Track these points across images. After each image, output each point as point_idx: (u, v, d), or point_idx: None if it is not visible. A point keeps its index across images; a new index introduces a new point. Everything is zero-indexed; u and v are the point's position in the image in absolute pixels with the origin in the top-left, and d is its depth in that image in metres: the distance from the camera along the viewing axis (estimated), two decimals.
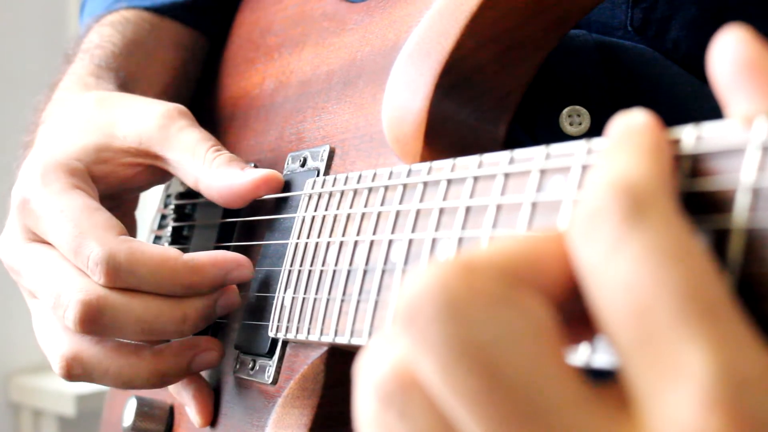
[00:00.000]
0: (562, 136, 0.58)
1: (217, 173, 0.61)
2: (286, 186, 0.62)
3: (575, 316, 0.29)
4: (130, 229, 0.72)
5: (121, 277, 0.56)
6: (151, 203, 0.84)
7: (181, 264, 0.57)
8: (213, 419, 0.64)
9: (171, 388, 0.65)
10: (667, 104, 0.59)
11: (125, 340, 0.59)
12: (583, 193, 0.28)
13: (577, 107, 0.58)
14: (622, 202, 0.27)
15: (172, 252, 0.57)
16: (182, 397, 0.64)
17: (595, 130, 0.58)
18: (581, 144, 0.35)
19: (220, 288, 0.59)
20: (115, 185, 0.65)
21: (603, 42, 0.59)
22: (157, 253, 0.57)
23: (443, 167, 0.44)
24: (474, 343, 0.26)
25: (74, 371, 0.59)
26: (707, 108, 0.57)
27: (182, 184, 0.76)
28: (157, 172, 0.66)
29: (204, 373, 0.65)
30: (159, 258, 0.56)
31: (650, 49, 0.59)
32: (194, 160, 0.62)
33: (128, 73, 0.74)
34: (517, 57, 0.52)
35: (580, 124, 0.58)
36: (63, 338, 0.59)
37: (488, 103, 0.52)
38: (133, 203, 0.73)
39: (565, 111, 0.58)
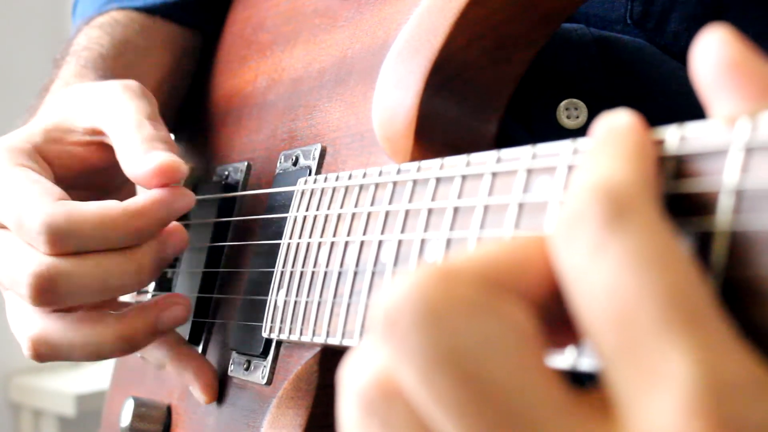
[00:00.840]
0: (560, 129, 0.58)
1: (127, 151, 0.59)
2: (279, 185, 0.61)
3: (562, 319, 0.29)
4: None
5: (65, 241, 0.54)
6: None
7: (122, 213, 0.55)
8: (209, 419, 0.64)
9: (172, 369, 0.64)
10: (665, 98, 0.58)
11: (89, 312, 0.58)
12: (567, 196, 0.28)
13: (575, 100, 0.58)
14: (603, 205, 0.26)
15: (111, 204, 0.56)
16: (184, 378, 0.64)
17: (593, 123, 0.57)
18: (567, 144, 0.35)
19: (165, 226, 0.58)
20: (73, 166, 0.64)
21: (601, 36, 0.59)
22: (96, 209, 0.55)
23: (432, 166, 0.43)
24: (454, 352, 0.26)
25: (42, 351, 0.58)
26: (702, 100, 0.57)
27: None
28: (110, 150, 0.63)
29: None
30: (98, 213, 0.55)
31: (648, 43, 0.59)
32: (121, 131, 0.60)
33: (115, 74, 0.73)
34: (507, 54, 0.51)
35: (578, 117, 0.58)
36: (27, 321, 0.59)
37: (479, 100, 0.52)
38: (131, 196, 0.72)
39: (563, 104, 0.58)
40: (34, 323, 0.58)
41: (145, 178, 0.58)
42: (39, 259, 0.55)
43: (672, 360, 0.24)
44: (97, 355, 0.59)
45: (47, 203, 0.55)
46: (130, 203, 0.56)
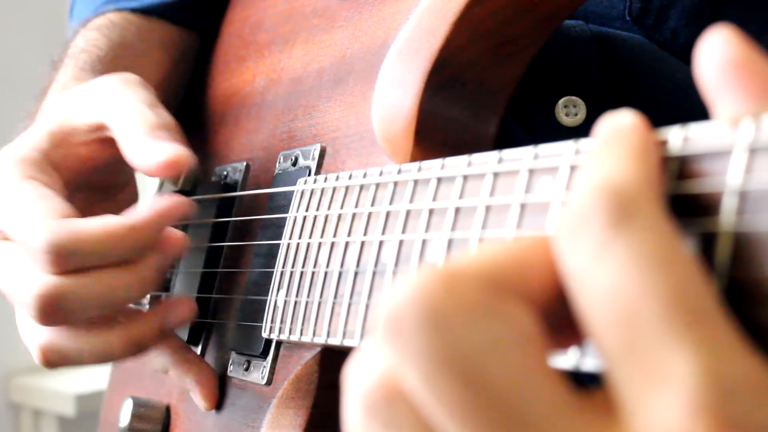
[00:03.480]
0: (558, 127, 0.58)
1: (131, 142, 0.59)
2: (278, 185, 0.61)
3: (565, 320, 0.29)
4: None
5: (68, 260, 0.55)
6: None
7: (121, 227, 0.56)
8: (208, 419, 0.64)
9: (173, 374, 0.64)
10: (664, 95, 0.58)
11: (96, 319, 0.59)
12: (570, 196, 0.28)
13: (573, 98, 0.58)
14: (607, 206, 0.26)
15: (112, 219, 0.56)
16: (185, 383, 0.64)
17: (591, 120, 0.57)
18: (569, 144, 0.35)
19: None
20: (80, 169, 0.64)
21: (599, 32, 0.59)
22: (97, 226, 0.55)
23: (433, 167, 0.43)
24: (457, 353, 0.26)
25: (52, 358, 0.59)
26: (704, 99, 0.57)
27: (174, 183, 0.76)
28: (113, 145, 0.63)
29: None
30: (99, 230, 0.55)
31: (647, 41, 0.59)
32: (122, 120, 0.60)
33: None
34: (507, 53, 0.51)
35: (576, 114, 0.58)
36: (36, 329, 0.59)
37: (479, 100, 0.52)
38: (133, 196, 0.72)
39: (561, 101, 0.58)
40: (43, 331, 0.59)
41: (151, 171, 0.59)
42: (43, 280, 0.55)
43: (676, 360, 0.24)
44: (104, 359, 0.59)
45: (50, 222, 0.56)
46: (132, 218, 0.56)
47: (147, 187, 0.76)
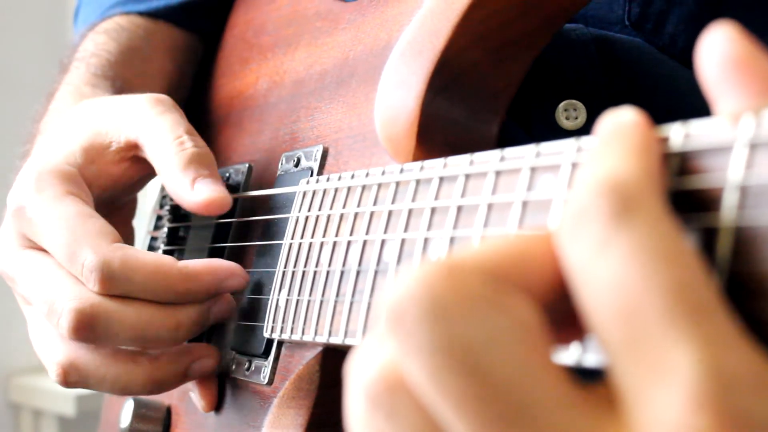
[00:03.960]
0: (559, 131, 0.58)
1: (170, 175, 0.61)
2: (281, 186, 0.62)
3: (566, 315, 0.29)
4: (127, 237, 0.72)
5: (115, 284, 0.56)
6: (148, 203, 0.84)
7: (176, 271, 0.57)
8: (209, 420, 0.64)
9: None
10: (663, 98, 0.58)
11: (123, 349, 0.59)
12: (572, 192, 0.28)
13: (573, 101, 0.58)
14: (610, 200, 0.26)
15: (167, 259, 0.57)
16: (185, 384, 0.64)
17: (592, 124, 0.57)
18: (571, 142, 0.35)
19: (214, 295, 0.59)
20: (109, 186, 0.65)
21: (599, 36, 0.59)
22: (152, 260, 0.56)
23: (435, 166, 0.44)
24: (460, 345, 0.26)
25: (70, 378, 0.59)
26: (703, 101, 0.57)
27: None
28: (141, 163, 0.65)
29: None
30: (153, 265, 0.56)
31: (646, 44, 0.59)
32: (161, 148, 0.61)
33: (124, 81, 0.74)
34: (508, 55, 0.52)
35: (576, 118, 0.58)
36: (59, 345, 0.59)
37: (480, 101, 0.52)
38: (130, 212, 0.73)
39: (561, 105, 0.58)
40: (64, 348, 0.59)
41: (192, 208, 0.60)
42: (84, 295, 0.56)
43: (677, 354, 0.25)
44: (125, 391, 0.60)
45: (105, 244, 0.57)
46: (187, 265, 0.57)
47: (149, 190, 0.77)
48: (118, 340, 0.57)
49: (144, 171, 0.66)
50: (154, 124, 0.62)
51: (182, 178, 0.60)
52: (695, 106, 0.58)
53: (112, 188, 0.66)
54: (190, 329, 0.58)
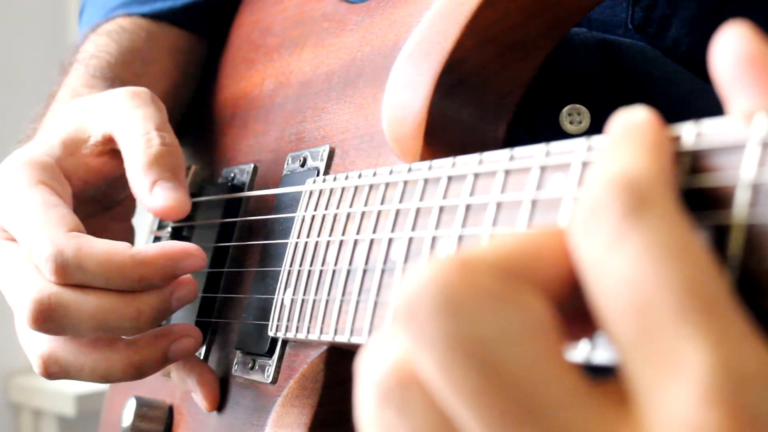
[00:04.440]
0: (563, 135, 0.58)
1: (133, 176, 0.61)
2: (286, 186, 0.62)
3: (575, 312, 0.29)
4: (126, 234, 0.72)
5: (69, 273, 0.55)
6: None
7: (128, 258, 0.56)
8: (212, 419, 0.64)
9: (175, 376, 0.65)
10: (667, 102, 0.59)
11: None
12: (584, 189, 0.28)
13: (578, 106, 0.58)
14: (623, 197, 0.27)
15: (120, 246, 0.56)
16: (187, 385, 0.64)
17: (595, 128, 0.58)
18: (581, 141, 0.35)
19: (174, 279, 0.58)
20: (90, 179, 0.65)
21: (603, 40, 0.59)
22: (105, 248, 0.56)
23: (443, 165, 0.44)
24: (472, 340, 0.26)
25: (51, 369, 0.59)
26: (707, 105, 0.57)
27: None
28: (121, 159, 0.64)
29: None
30: (106, 253, 0.56)
31: (650, 47, 0.59)
32: (129, 144, 0.61)
33: (123, 83, 0.73)
34: (517, 57, 0.52)
35: (580, 122, 0.58)
36: (38, 338, 0.59)
37: (488, 102, 0.52)
38: (127, 210, 0.72)
39: (565, 109, 0.58)
40: (44, 341, 0.59)
41: (150, 210, 0.60)
42: (42, 285, 0.56)
43: (689, 350, 0.25)
44: (105, 379, 0.59)
45: (60, 233, 0.56)
46: (140, 251, 0.57)
47: None
48: (78, 329, 0.56)
49: (122, 166, 0.65)
50: (126, 118, 0.62)
51: (143, 179, 0.60)
52: (699, 109, 0.58)
53: (94, 181, 0.65)
54: (153, 316, 0.57)
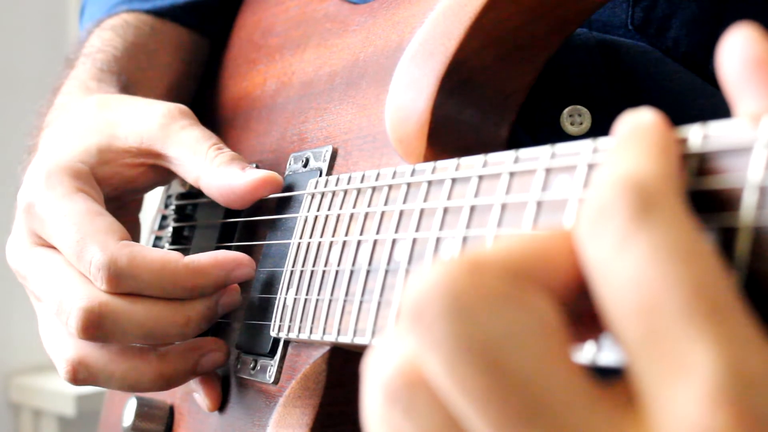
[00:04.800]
0: (563, 136, 0.58)
1: (217, 172, 0.61)
2: (289, 186, 0.62)
3: (581, 314, 0.29)
4: (134, 231, 0.72)
5: (122, 282, 0.56)
6: (151, 204, 0.84)
7: (182, 267, 0.57)
8: (213, 419, 0.64)
9: None
10: (668, 102, 0.59)
11: (131, 346, 0.59)
12: (591, 190, 0.28)
13: (578, 107, 0.58)
14: (630, 199, 0.27)
15: (173, 255, 0.57)
16: (189, 384, 0.64)
17: (596, 129, 0.58)
18: (587, 143, 0.35)
19: (222, 287, 0.59)
20: (120, 187, 0.65)
21: (604, 40, 0.59)
22: (159, 258, 0.57)
23: (447, 167, 0.44)
24: (480, 341, 0.26)
25: (80, 376, 0.59)
26: (707, 106, 0.57)
27: (183, 184, 0.76)
28: (160, 172, 0.66)
29: None
30: (160, 262, 0.56)
31: (651, 48, 0.60)
32: (196, 157, 0.62)
33: (130, 77, 0.74)
34: (520, 58, 0.52)
35: (581, 123, 0.58)
36: (68, 343, 0.59)
37: (491, 103, 0.52)
38: (137, 206, 0.73)
39: (566, 110, 0.58)
40: (75, 346, 0.59)
41: (245, 191, 0.60)
42: (92, 294, 0.56)
43: (696, 352, 0.25)
44: (133, 388, 0.60)
45: (112, 242, 0.57)
46: (193, 260, 0.57)
47: (147, 193, 0.76)
48: (127, 338, 0.57)
49: (160, 178, 0.66)
50: (183, 138, 0.63)
51: (230, 169, 0.60)
52: (699, 109, 0.58)
53: (123, 189, 0.66)
54: (200, 324, 0.58)
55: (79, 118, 0.67)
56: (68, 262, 0.58)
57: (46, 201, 0.60)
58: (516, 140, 0.58)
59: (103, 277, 0.56)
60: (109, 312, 0.56)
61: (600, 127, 0.58)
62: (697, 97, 0.58)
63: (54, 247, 0.60)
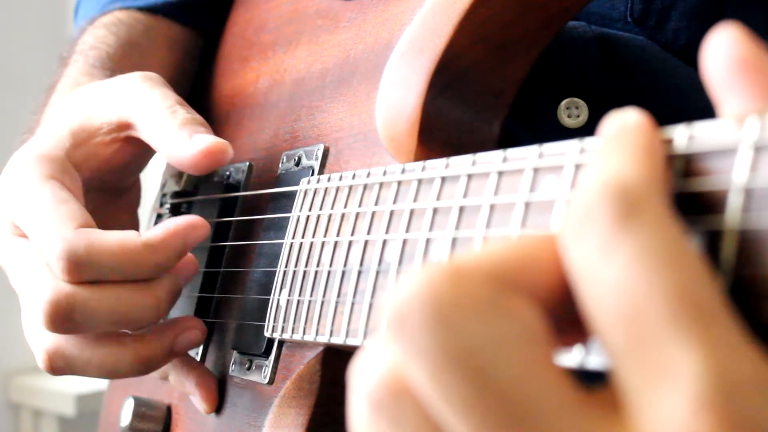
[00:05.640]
0: (561, 129, 0.58)
1: (168, 138, 0.59)
2: (281, 185, 0.61)
3: (570, 317, 0.29)
4: (132, 225, 0.72)
5: (83, 270, 0.54)
6: (149, 203, 0.84)
7: (141, 245, 0.55)
8: (210, 419, 0.64)
9: (173, 379, 0.64)
10: (666, 96, 0.58)
11: (106, 332, 0.58)
12: (576, 194, 0.28)
13: (576, 99, 0.58)
14: (614, 202, 0.26)
15: (131, 235, 0.55)
16: (185, 387, 0.64)
17: (594, 122, 0.57)
18: (574, 143, 0.35)
19: (182, 256, 0.58)
20: (100, 168, 0.64)
21: (602, 34, 0.59)
22: (116, 240, 0.55)
23: (437, 166, 0.44)
24: (463, 350, 0.26)
25: (56, 364, 0.58)
26: (706, 100, 0.57)
27: (177, 182, 0.76)
28: (135, 144, 0.63)
29: None
30: (118, 244, 0.55)
31: (649, 41, 0.59)
32: (154, 120, 0.60)
33: (123, 74, 0.73)
34: (510, 54, 0.51)
35: (578, 116, 0.58)
36: (43, 332, 0.58)
37: (482, 101, 0.52)
38: (134, 200, 0.72)
39: (564, 103, 0.58)
40: (52, 336, 0.58)
41: (193, 161, 0.58)
42: (56, 286, 0.55)
43: (681, 357, 0.25)
44: (112, 374, 0.59)
45: (69, 230, 0.55)
46: (150, 236, 0.56)
47: (148, 190, 0.76)
48: (98, 326, 0.56)
49: (136, 150, 0.64)
50: (144, 99, 0.61)
51: (178, 134, 0.59)
52: (698, 104, 0.57)
53: (104, 170, 0.65)
54: (169, 301, 0.57)
55: (60, 111, 0.66)
56: (38, 252, 0.57)
57: (18, 189, 0.59)
58: (512, 133, 0.57)
59: (63, 267, 0.54)
60: (75, 303, 0.54)
61: (597, 121, 0.57)
62: (696, 91, 0.58)
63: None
